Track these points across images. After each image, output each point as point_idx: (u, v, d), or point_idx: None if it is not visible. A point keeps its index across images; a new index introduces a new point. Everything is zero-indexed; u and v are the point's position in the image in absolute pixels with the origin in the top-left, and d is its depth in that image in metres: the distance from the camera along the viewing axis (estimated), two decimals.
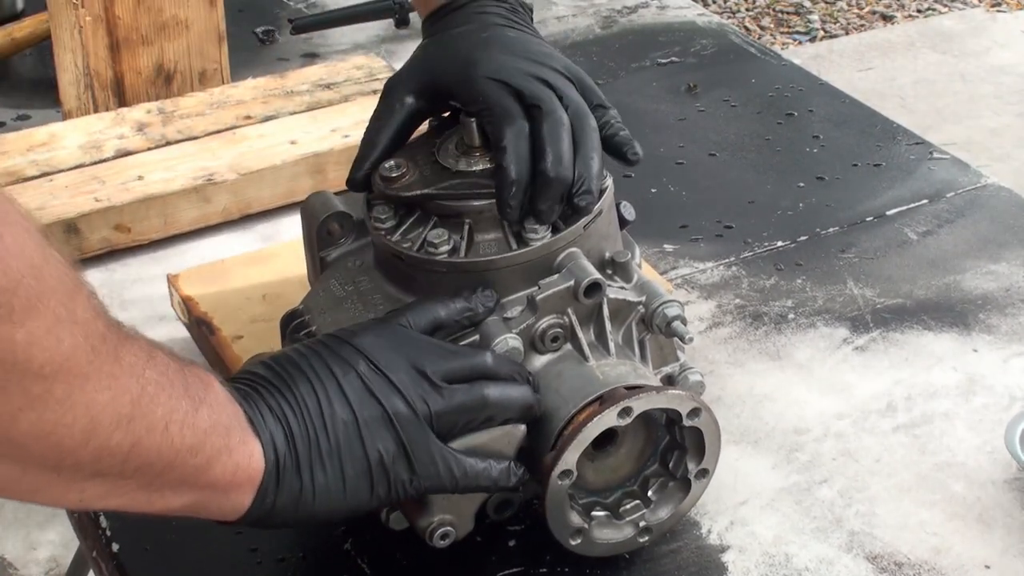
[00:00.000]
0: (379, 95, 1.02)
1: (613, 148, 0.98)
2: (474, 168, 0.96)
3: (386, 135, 0.99)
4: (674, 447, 0.96)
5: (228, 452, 0.79)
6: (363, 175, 0.99)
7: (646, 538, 0.96)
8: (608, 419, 0.89)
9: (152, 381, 0.73)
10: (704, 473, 0.96)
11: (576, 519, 0.93)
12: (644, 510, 0.96)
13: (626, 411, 0.89)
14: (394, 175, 0.96)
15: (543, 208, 0.92)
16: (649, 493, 0.96)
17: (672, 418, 0.93)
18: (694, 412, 0.92)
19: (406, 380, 0.85)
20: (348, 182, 1.00)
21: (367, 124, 1.01)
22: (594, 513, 0.95)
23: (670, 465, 0.96)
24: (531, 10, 1.10)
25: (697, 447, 0.95)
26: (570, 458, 0.89)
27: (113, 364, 0.71)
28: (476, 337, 0.92)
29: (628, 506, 0.96)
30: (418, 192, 0.95)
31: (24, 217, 0.67)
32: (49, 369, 0.66)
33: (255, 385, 0.84)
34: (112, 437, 0.71)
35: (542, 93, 0.94)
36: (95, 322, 0.70)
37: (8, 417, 0.66)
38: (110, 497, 0.75)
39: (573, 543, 0.93)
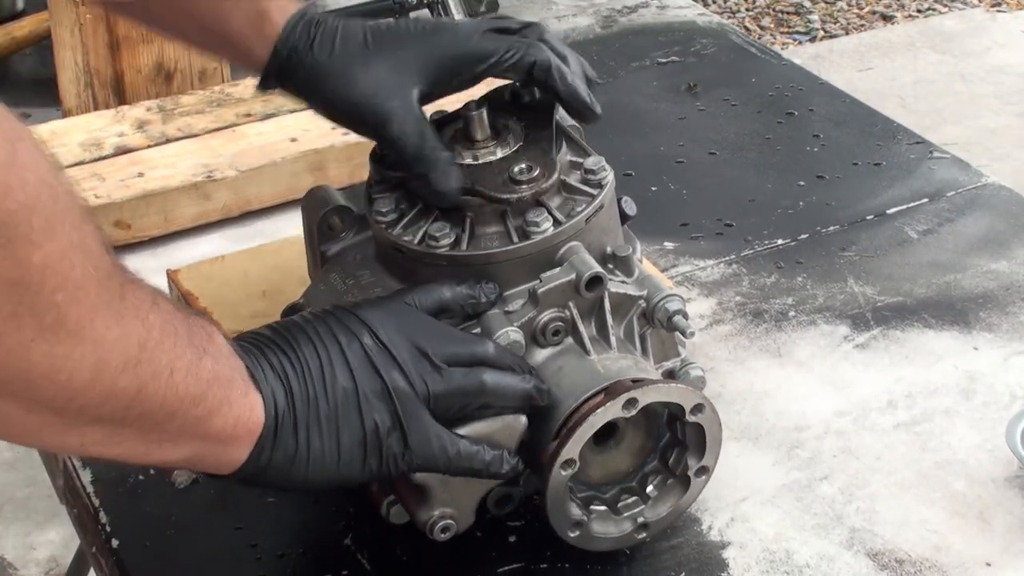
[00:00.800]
0: (389, 123, 0.95)
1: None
2: (480, 161, 0.96)
3: (433, 135, 0.95)
4: (675, 444, 0.95)
5: (229, 404, 0.78)
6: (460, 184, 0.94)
7: (644, 534, 0.96)
8: (613, 410, 0.89)
9: (156, 326, 0.73)
10: (704, 471, 0.96)
11: (576, 511, 0.93)
12: (643, 506, 0.96)
13: (631, 402, 0.89)
14: (525, 178, 0.94)
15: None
16: (648, 490, 0.96)
17: (674, 414, 0.93)
18: (698, 408, 0.92)
19: (407, 358, 0.85)
20: (447, 198, 0.94)
21: (404, 146, 0.95)
22: (593, 507, 0.95)
23: (670, 462, 0.96)
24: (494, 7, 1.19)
25: (698, 444, 0.95)
26: (573, 448, 0.89)
27: (120, 302, 0.70)
28: (478, 330, 0.92)
29: (627, 501, 0.96)
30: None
31: (37, 139, 0.66)
32: (61, 296, 0.66)
33: (258, 343, 0.84)
34: (119, 380, 0.70)
35: (512, 22, 1.00)
36: (103, 256, 0.70)
37: (21, 349, 0.65)
38: (109, 444, 0.74)
39: (571, 535, 0.93)
